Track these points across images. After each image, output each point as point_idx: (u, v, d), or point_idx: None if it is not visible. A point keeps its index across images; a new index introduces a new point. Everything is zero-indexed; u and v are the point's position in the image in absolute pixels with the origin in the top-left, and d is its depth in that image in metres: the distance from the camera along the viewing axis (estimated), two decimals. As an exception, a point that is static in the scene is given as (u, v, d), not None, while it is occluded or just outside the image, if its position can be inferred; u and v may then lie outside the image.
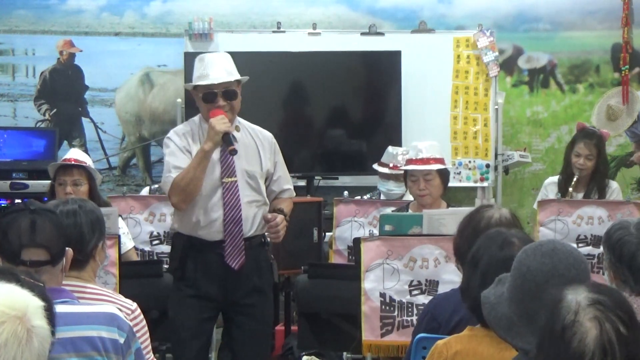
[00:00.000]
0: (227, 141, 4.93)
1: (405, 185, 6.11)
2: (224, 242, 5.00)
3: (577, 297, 2.28)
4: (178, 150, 5.03)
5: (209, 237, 5.02)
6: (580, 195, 6.70)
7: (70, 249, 3.30)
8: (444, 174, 5.94)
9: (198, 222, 5.02)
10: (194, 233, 5.04)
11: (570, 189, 6.68)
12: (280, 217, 5.06)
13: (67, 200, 3.78)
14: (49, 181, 6.05)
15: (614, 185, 6.93)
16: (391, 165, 6.79)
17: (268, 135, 5.22)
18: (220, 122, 4.92)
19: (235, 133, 5.07)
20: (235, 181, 5.02)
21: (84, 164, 5.89)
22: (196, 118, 5.17)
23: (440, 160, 5.96)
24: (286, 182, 5.26)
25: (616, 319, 2.24)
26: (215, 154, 5.02)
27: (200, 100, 5.06)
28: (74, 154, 6.02)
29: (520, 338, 2.78)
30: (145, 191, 7.02)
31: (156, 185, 7.17)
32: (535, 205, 6.93)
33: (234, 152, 4.95)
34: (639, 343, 2.26)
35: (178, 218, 5.13)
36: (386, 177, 6.80)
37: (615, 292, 2.34)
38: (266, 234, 5.13)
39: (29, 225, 3.20)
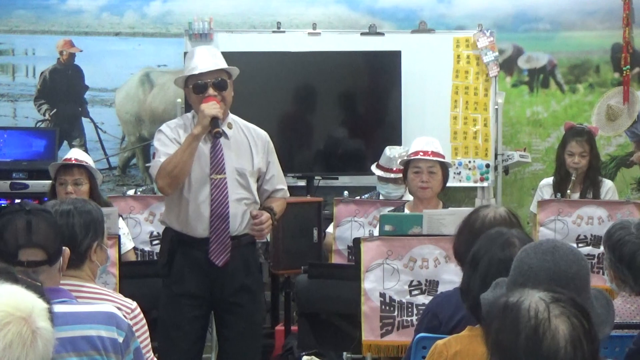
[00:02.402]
0: (214, 124, 4.94)
1: (404, 179, 6.10)
2: (209, 238, 5.00)
3: (535, 297, 2.26)
4: (168, 141, 5.06)
5: (196, 234, 5.03)
6: (576, 195, 6.72)
7: (67, 248, 3.30)
8: (445, 171, 5.98)
9: (186, 218, 5.03)
10: (182, 229, 5.05)
11: (569, 191, 6.69)
12: (266, 215, 5.05)
13: (65, 200, 3.77)
14: (49, 181, 6.06)
15: (609, 184, 6.95)
16: (389, 168, 6.76)
17: (262, 134, 5.22)
18: (210, 106, 4.95)
19: (227, 130, 5.08)
20: (224, 178, 5.03)
21: (85, 164, 5.90)
22: (189, 114, 5.20)
23: (443, 157, 6.01)
24: (279, 182, 5.25)
25: (579, 315, 2.24)
26: (206, 150, 5.03)
27: (192, 93, 5.08)
28: (74, 153, 6.03)
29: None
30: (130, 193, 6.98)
31: (143, 188, 7.18)
32: (532, 208, 6.94)
33: (218, 134, 4.96)
34: (597, 338, 2.26)
35: (167, 213, 5.14)
36: (384, 180, 6.79)
37: (565, 291, 2.34)
38: (249, 230, 5.10)
39: (25, 225, 3.19)
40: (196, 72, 5.04)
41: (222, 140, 5.04)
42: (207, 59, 5.06)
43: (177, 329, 5.04)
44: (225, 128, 5.07)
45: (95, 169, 6.00)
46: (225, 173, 5.03)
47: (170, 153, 4.99)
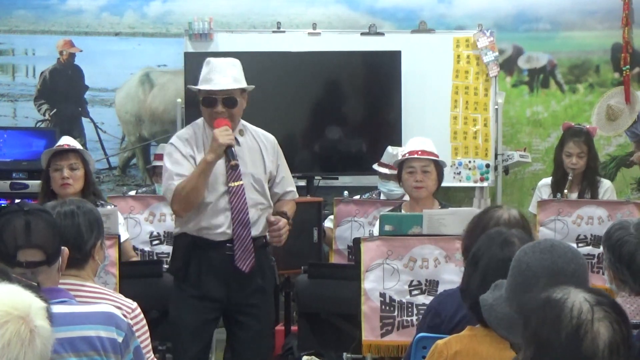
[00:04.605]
0: (229, 155, 4.94)
1: (399, 180, 6.10)
2: (233, 245, 5.00)
3: (579, 296, 2.26)
4: (182, 158, 5.04)
5: (215, 238, 5.03)
6: (574, 195, 6.72)
7: (65, 248, 3.30)
8: (439, 171, 5.94)
9: (204, 226, 5.03)
10: (201, 234, 5.05)
11: (566, 191, 6.70)
12: (283, 221, 5.08)
13: (65, 201, 3.78)
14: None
15: (607, 183, 6.95)
16: (391, 165, 6.77)
17: (271, 137, 5.24)
18: (223, 134, 4.93)
19: (239, 137, 5.08)
20: (242, 185, 5.03)
21: (79, 149, 5.93)
22: (200, 121, 5.17)
23: (436, 157, 5.97)
24: (289, 184, 5.27)
25: (620, 321, 2.24)
26: (221, 160, 5.02)
27: (201, 104, 5.09)
28: (66, 140, 6.02)
29: (523, 335, 2.79)
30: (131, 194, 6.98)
31: (144, 189, 7.17)
32: (530, 209, 6.94)
33: (235, 167, 4.96)
34: (634, 346, 2.27)
35: (183, 221, 5.11)
36: (386, 177, 6.80)
37: (607, 294, 2.34)
38: (267, 235, 5.12)
39: (24, 226, 3.19)
40: (208, 88, 5.03)
41: (236, 147, 5.03)
42: (222, 75, 5.03)
43: (192, 332, 5.04)
44: (237, 135, 5.08)
45: (88, 154, 6.01)
46: (242, 179, 5.04)
47: (183, 174, 4.98)
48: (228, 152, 4.94)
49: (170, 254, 5.38)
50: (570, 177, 6.78)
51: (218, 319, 5.20)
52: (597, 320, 2.22)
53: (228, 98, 5.02)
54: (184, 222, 5.11)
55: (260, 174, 5.11)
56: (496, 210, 3.94)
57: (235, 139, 5.04)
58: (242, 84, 5.08)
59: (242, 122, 5.18)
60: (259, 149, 5.16)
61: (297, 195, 5.38)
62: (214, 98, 5.03)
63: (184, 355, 5.09)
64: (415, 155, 5.90)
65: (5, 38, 8.95)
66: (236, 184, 5.03)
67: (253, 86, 5.16)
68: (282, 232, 5.08)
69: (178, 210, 5.04)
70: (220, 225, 5.02)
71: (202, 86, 5.06)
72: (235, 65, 5.12)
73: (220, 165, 5.04)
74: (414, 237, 5.23)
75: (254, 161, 5.12)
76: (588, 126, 7.18)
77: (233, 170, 5.00)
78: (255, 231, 5.07)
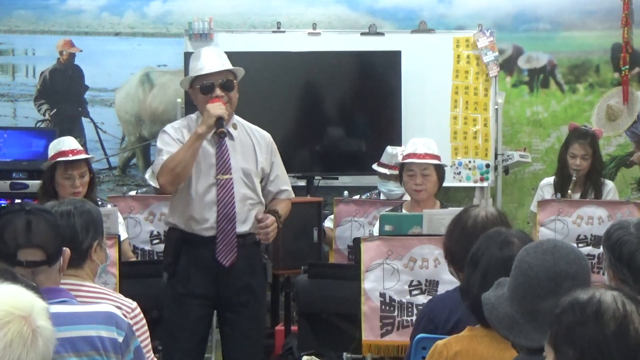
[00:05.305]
0: (219, 124, 4.95)
1: (400, 181, 6.10)
2: (216, 238, 5.01)
3: (608, 293, 2.30)
4: (172, 140, 5.07)
5: (203, 233, 5.04)
6: (577, 196, 6.72)
7: (67, 248, 3.31)
8: (440, 172, 5.94)
9: (192, 218, 5.04)
10: (189, 228, 5.06)
11: (569, 192, 6.69)
12: (271, 219, 5.06)
13: (64, 201, 3.79)
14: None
15: (610, 185, 6.95)
16: (391, 165, 6.78)
17: (266, 135, 5.24)
18: (216, 106, 4.97)
19: (232, 131, 5.10)
20: (230, 178, 5.04)
21: (87, 156, 5.97)
22: (193, 115, 5.20)
23: (438, 158, 5.97)
24: (284, 182, 5.26)
25: None
26: (212, 151, 5.05)
27: (198, 93, 5.08)
28: (71, 144, 6.01)
29: (523, 336, 2.79)
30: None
31: (144, 189, 7.18)
32: (532, 207, 6.94)
33: (223, 134, 4.98)
34: None
35: (172, 213, 5.15)
36: (386, 177, 6.80)
37: (629, 290, 2.37)
38: (255, 233, 5.11)
39: (25, 225, 3.19)
40: (203, 72, 5.05)
41: (227, 141, 5.06)
42: (213, 60, 5.07)
43: (181, 329, 5.05)
44: (230, 129, 5.09)
45: (92, 157, 6.07)
46: (231, 173, 5.05)
47: (172, 151, 5.00)
48: (218, 123, 4.96)
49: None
50: (574, 178, 6.77)
51: (209, 316, 5.21)
52: (636, 313, 2.26)
53: (225, 82, 5.05)
54: (174, 211, 5.11)
55: (251, 169, 5.11)
56: (473, 209, 3.91)
57: (228, 131, 5.06)
58: (231, 66, 5.12)
59: (236, 117, 5.19)
60: (252, 144, 5.16)
61: (293, 195, 5.37)
62: (211, 83, 5.04)
63: (175, 353, 5.09)
64: (414, 159, 5.89)
65: (5, 38, 8.96)
66: (225, 177, 5.04)
67: (242, 70, 5.16)
68: (270, 229, 5.05)
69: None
70: (208, 219, 5.02)
71: (197, 73, 5.06)
72: (221, 52, 5.20)
73: (212, 158, 5.05)
74: (414, 237, 5.23)
75: (245, 156, 5.12)
76: (594, 128, 7.17)
77: (221, 138, 5.00)
78: (245, 227, 5.06)
